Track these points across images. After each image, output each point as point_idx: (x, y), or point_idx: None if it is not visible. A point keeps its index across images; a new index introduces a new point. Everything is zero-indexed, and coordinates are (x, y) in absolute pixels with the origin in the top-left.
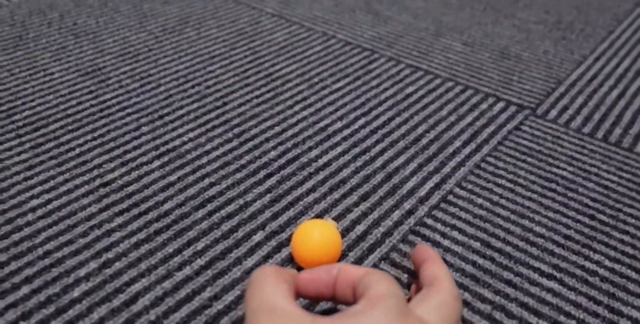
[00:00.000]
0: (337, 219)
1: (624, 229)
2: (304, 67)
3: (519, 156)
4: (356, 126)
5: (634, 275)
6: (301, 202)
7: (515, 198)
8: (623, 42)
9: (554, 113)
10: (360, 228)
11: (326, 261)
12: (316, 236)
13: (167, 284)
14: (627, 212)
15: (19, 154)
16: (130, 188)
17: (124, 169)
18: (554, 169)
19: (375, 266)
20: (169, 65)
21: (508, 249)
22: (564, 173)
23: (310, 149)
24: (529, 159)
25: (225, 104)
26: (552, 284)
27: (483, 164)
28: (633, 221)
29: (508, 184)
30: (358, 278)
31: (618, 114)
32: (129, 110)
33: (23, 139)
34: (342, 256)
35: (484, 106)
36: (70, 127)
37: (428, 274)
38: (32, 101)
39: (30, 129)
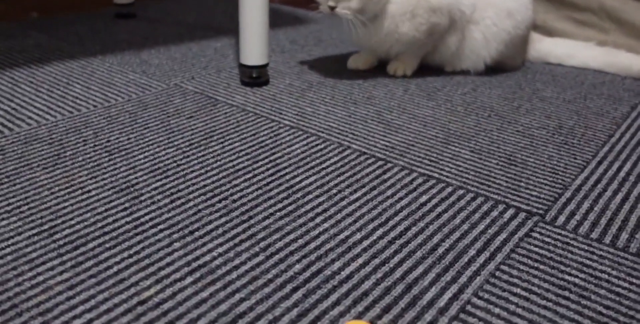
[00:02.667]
0: None
1: None
2: (322, 178)
3: (532, 263)
4: (375, 237)
5: None
6: (327, 316)
7: (530, 307)
8: (623, 146)
9: (562, 219)
10: None
11: None
12: None
13: None
14: None
15: (60, 273)
16: (166, 305)
17: (159, 286)
18: (567, 277)
19: None
20: (197, 180)
21: None
22: (576, 280)
23: (332, 261)
24: (541, 267)
25: (250, 218)
26: None
27: (498, 273)
28: None
29: (523, 293)
30: None
31: (624, 219)
32: (162, 226)
33: (64, 257)
34: None
35: (494, 213)
36: (107, 245)
37: None
38: (72, 219)
39: (70, 247)
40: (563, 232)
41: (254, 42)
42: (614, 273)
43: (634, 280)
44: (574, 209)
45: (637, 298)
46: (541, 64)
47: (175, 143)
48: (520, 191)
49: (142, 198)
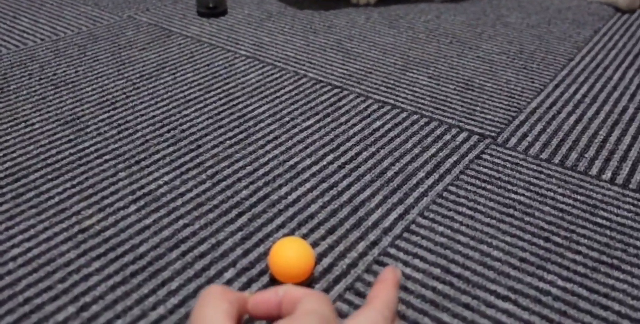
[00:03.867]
0: None
1: (576, 250)
2: (275, 107)
3: (480, 184)
4: (324, 162)
5: (585, 293)
6: (271, 239)
7: (474, 225)
8: (582, 69)
9: (513, 141)
10: (326, 261)
11: (302, 274)
12: (292, 252)
13: None
14: (580, 233)
15: (0, 204)
16: (108, 233)
17: (101, 215)
18: (512, 195)
19: (340, 296)
20: (146, 111)
21: (467, 274)
22: (522, 198)
23: (280, 186)
24: (488, 187)
25: (199, 146)
26: (507, 305)
27: (445, 194)
28: (585, 241)
29: (468, 212)
30: (299, 298)
31: (575, 139)
32: (107, 157)
33: (4, 189)
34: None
35: (447, 137)
36: (49, 176)
37: (371, 294)
38: (14, 152)
39: (11, 179)
40: (513, 153)
41: None
42: (560, 190)
43: (579, 196)
44: (527, 131)
45: (580, 213)
46: None
47: (126, 75)
48: (475, 115)
49: (88, 130)
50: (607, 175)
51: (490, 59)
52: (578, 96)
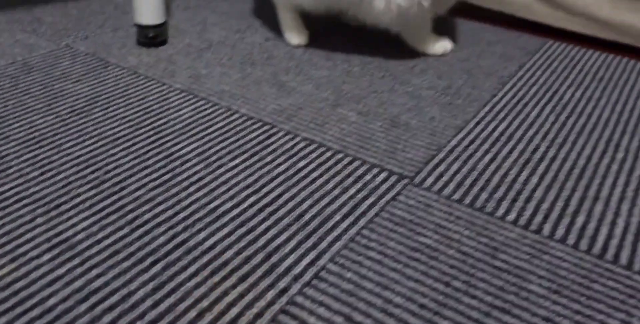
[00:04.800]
0: (214, 303)
1: (473, 294)
2: (204, 145)
3: (392, 226)
4: (245, 205)
5: None
6: (182, 288)
7: (381, 270)
8: (503, 105)
9: (430, 181)
10: (234, 311)
11: None
12: None
13: None
14: (479, 276)
15: None
16: (18, 285)
17: (14, 265)
18: (421, 238)
19: None
20: (72, 150)
21: (368, 321)
22: (429, 242)
23: (199, 231)
24: (400, 230)
25: (122, 189)
26: None
27: (357, 238)
28: (482, 285)
29: (377, 257)
30: None
31: (487, 179)
32: (26, 201)
33: None
34: None
35: (368, 177)
36: None
37: None
38: None
39: None
40: (428, 194)
41: None
42: (466, 232)
43: (482, 238)
44: (443, 170)
45: (481, 256)
46: (449, 20)
47: (56, 110)
48: (396, 154)
49: (10, 171)
50: (512, 216)
51: (418, 95)
52: (496, 134)
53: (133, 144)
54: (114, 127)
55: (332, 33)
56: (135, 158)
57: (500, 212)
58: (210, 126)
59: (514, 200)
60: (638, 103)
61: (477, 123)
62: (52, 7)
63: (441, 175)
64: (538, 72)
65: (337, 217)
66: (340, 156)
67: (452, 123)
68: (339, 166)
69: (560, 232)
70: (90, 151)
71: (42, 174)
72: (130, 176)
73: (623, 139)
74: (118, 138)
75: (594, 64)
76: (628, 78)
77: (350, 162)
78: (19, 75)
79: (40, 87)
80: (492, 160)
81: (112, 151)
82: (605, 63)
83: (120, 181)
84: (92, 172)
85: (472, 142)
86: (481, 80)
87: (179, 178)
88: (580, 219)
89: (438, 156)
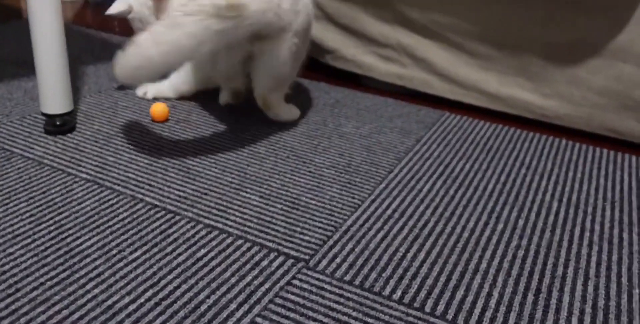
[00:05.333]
0: None
1: None
2: (106, 238)
3: (285, 312)
4: (142, 299)
5: None
6: None
7: None
8: (398, 181)
9: (324, 263)
10: None
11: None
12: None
13: None
14: None
15: None
16: None
17: None
18: (311, 323)
19: None
20: None
21: None
22: None
23: None
24: (292, 315)
25: (17, 290)
26: None
27: None
28: None
29: None
30: None
31: (377, 258)
32: None
33: None
34: None
35: (265, 262)
36: None
37: None
38: None
39: None
40: (321, 277)
41: (54, 88)
42: (354, 314)
43: (369, 319)
44: (337, 252)
45: None
46: (351, 94)
47: None
48: (294, 237)
49: None
50: (398, 294)
51: (320, 174)
52: (389, 211)
53: (32, 241)
54: (13, 224)
55: (242, 111)
56: (33, 256)
57: (387, 290)
58: (114, 218)
59: (401, 278)
60: (520, 172)
61: (373, 201)
62: None
63: (335, 256)
64: (433, 146)
65: (233, 306)
66: (240, 242)
67: (349, 202)
68: (238, 253)
69: (440, 308)
70: None
71: None
72: (27, 275)
73: (504, 210)
74: (17, 235)
75: (484, 135)
76: (514, 147)
77: (249, 249)
78: None
79: None
80: (383, 238)
81: (9, 250)
82: (495, 133)
83: (16, 282)
84: None
85: (366, 220)
86: (379, 156)
87: (77, 275)
88: (459, 293)
89: (333, 237)
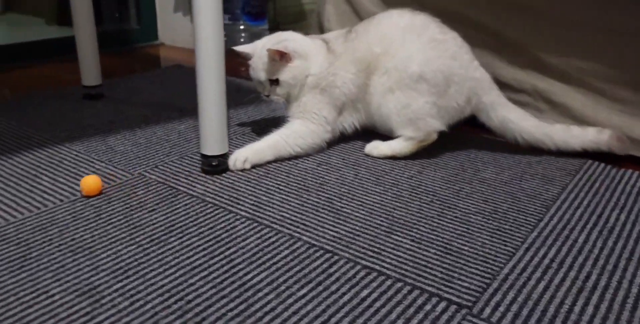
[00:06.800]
0: None
1: None
2: (272, 274)
3: None
4: None
5: None
6: None
7: None
8: (550, 231)
9: (488, 311)
10: None
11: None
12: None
13: None
14: None
15: None
16: None
17: None
18: None
19: None
20: (155, 280)
21: None
22: None
23: None
24: None
25: (204, 319)
26: None
27: None
28: None
29: None
30: None
31: (543, 309)
32: None
33: None
34: None
35: (428, 306)
36: None
37: None
38: None
39: None
40: None
41: (213, 133)
42: None
43: None
44: (499, 300)
45: None
46: (486, 140)
47: (137, 240)
48: (453, 282)
49: (104, 301)
50: None
51: (467, 220)
52: (546, 261)
53: (209, 274)
54: (190, 256)
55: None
56: (212, 287)
57: None
58: (276, 255)
59: None
60: None
61: (527, 249)
62: (122, 136)
63: (498, 305)
64: (581, 194)
65: None
66: (399, 284)
67: (502, 249)
68: (399, 296)
69: None
70: (172, 281)
71: (131, 304)
72: (210, 306)
73: None
74: (195, 267)
75: (635, 184)
76: None
77: (409, 292)
78: (101, 205)
79: (121, 217)
80: (545, 289)
81: (191, 281)
82: None
83: (201, 311)
84: (176, 302)
85: (524, 269)
86: (525, 203)
87: (253, 308)
88: None
89: (492, 284)
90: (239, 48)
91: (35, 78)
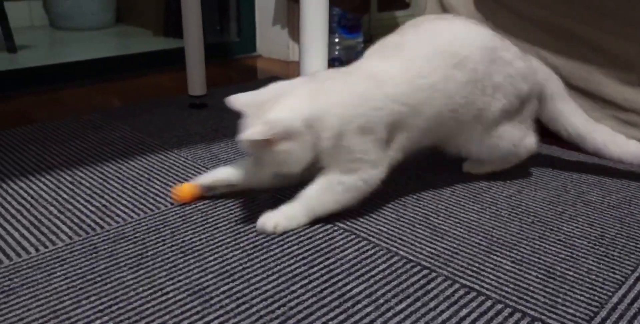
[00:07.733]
0: None
1: None
2: (371, 286)
3: None
4: None
5: None
6: None
7: None
8: None
9: None
10: None
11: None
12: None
13: None
14: None
15: None
16: None
17: None
18: None
19: None
20: (259, 285)
21: None
22: None
23: None
24: None
25: None
26: None
27: None
28: None
29: None
30: None
31: None
32: None
33: None
34: None
35: None
36: None
37: None
38: (153, 321)
39: None
40: None
41: None
42: None
43: None
44: None
45: None
46: (590, 162)
47: (241, 245)
48: (557, 308)
49: (212, 302)
50: None
51: (571, 244)
52: None
53: (309, 282)
54: (291, 264)
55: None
56: (312, 296)
57: None
58: (374, 268)
59: None
60: None
61: (638, 278)
62: (225, 144)
63: None
64: None
65: None
66: (500, 306)
67: (610, 277)
68: (500, 318)
69: None
70: (274, 287)
71: (237, 306)
72: (311, 314)
73: None
74: (296, 275)
75: None
76: None
77: (510, 314)
78: (207, 210)
79: (226, 222)
80: None
81: (292, 288)
82: None
83: (303, 318)
84: (279, 307)
85: (634, 300)
86: (635, 230)
87: (353, 319)
88: None
89: (600, 313)
90: (245, 135)
91: (143, 87)
